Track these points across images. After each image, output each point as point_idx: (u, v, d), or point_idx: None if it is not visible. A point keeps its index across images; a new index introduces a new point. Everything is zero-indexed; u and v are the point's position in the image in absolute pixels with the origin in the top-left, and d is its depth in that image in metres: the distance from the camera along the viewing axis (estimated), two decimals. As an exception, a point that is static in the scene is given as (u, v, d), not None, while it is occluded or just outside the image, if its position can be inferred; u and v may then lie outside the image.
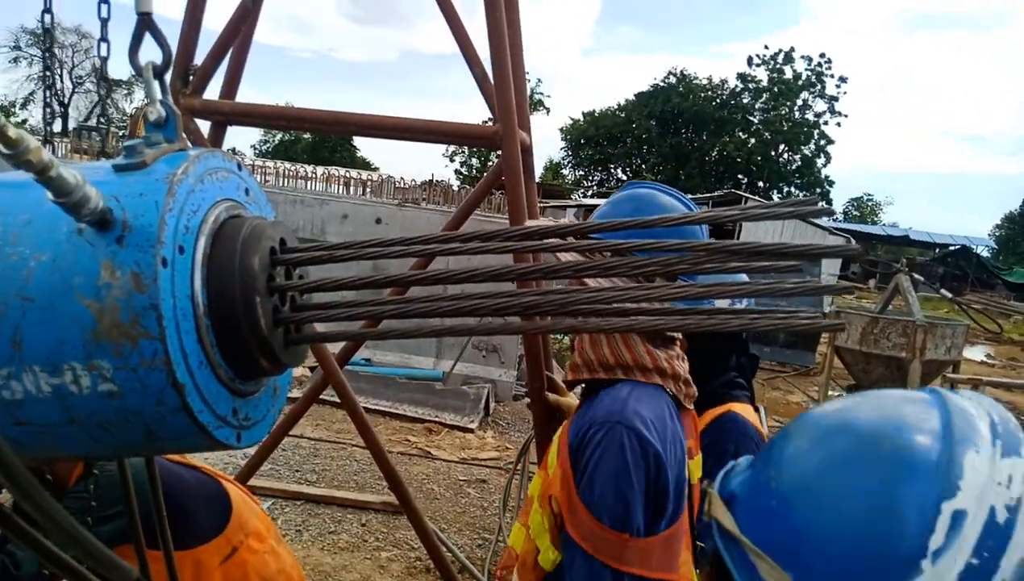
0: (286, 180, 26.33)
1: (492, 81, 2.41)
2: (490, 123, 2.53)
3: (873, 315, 9.85)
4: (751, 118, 53.09)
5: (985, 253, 56.13)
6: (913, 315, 9.26)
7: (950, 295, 12.51)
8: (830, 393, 10.54)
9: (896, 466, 0.57)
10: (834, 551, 0.56)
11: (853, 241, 25.73)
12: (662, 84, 53.76)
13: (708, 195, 27.29)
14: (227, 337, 1.02)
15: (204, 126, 2.92)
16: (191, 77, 2.44)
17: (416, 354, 9.37)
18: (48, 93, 1.69)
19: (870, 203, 70.63)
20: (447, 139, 2.68)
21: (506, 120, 2.36)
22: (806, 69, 52.69)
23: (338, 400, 7.24)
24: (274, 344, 1.06)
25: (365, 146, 63.94)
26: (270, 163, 29.47)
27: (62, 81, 49.49)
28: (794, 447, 0.67)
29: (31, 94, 48.96)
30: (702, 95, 52.35)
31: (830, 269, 22.02)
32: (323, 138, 61.24)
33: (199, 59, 2.60)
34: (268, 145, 65.90)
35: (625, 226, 1.00)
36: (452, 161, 56.65)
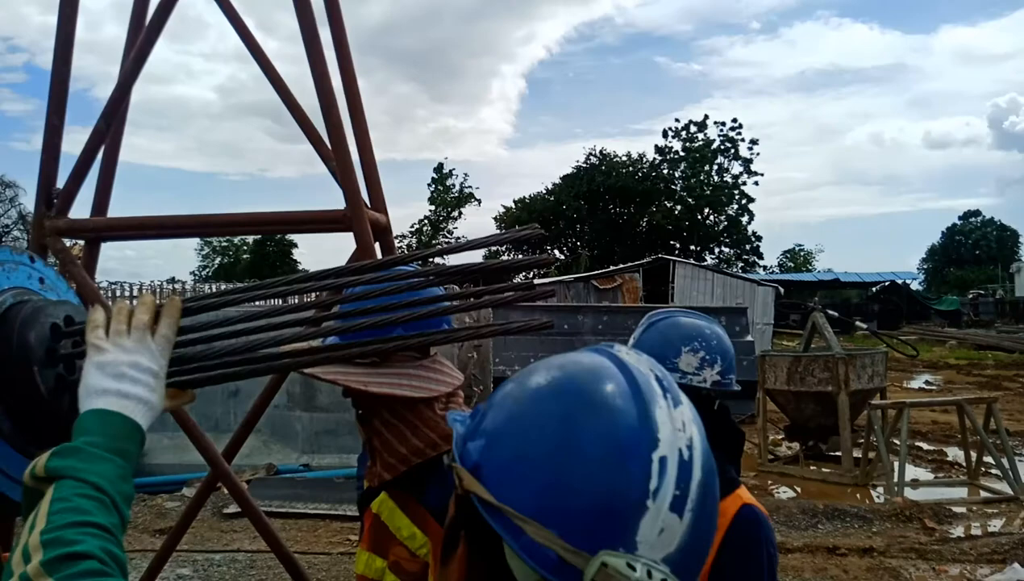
0: (223, 301, 26.15)
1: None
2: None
3: (796, 354, 10.19)
4: (673, 187, 55.27)
5: (917, 286, 58.24)
6: (832, 350, 9.62)
7: (864, 326, 13.06)
8: (771, 436, 10.74)
9: (610, 429, 0.72)
10: (583, 503, 0.70)
11: (782, 290, 26.62)
12: (585, 165, 55.76)
13: (637, 263, 28.01)
14: (11, 406, 1.14)
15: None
16: (55, 200, 2.59)
17: (355, 453, 9.25)
18: None
19: (802, 253, 73.09)
20: (299, 227, 2.86)
21: (353, 202, 2.55)
22: (718, 135, 55.52)
23: (276, 510, 7.09)
24: (60, 408, 1.18)
25: (306, 259, 64.10)
26: (207, 287, 29.41)
27: (-12, 229, 49.12)
28: (521, 410, 0.77)
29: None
30: (624, 171, 54.35)
31: (765, 318, 22.70)
32: (263, 256, 61.37)
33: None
34: (208, 270, 65.56)
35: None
36: (392, 262, 56.80)
